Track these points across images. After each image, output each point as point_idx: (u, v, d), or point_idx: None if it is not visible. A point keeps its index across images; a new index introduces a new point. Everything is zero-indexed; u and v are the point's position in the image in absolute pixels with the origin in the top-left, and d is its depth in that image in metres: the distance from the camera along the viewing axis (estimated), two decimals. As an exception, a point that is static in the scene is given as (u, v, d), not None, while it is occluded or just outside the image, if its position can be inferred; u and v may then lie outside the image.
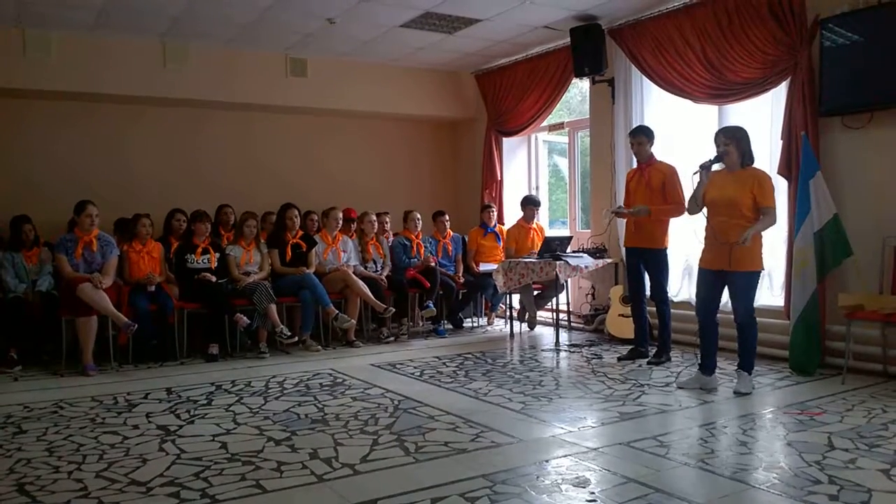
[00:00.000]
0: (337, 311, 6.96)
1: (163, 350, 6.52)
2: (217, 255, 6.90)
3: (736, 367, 5.17)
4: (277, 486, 3.38)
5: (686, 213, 5.51)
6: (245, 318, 6.56)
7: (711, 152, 5.13)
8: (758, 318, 6.11)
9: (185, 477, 3.51)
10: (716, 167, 5.15)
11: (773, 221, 4.96)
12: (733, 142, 4.98)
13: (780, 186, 6.04)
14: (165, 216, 7.22)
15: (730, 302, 5.13)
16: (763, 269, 5.09)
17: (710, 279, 5.12)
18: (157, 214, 7.15)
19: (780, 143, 5.94)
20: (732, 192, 4.95)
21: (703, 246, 5.18)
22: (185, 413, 4.74)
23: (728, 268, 4.96)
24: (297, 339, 6.84)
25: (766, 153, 6.19)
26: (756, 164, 5.09)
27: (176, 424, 4.47)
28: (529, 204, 8.04)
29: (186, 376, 5.90)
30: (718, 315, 5.22)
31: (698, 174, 5.12)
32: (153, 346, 6.46)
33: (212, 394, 5.27)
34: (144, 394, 5.29)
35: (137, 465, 3.72)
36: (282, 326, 6.67)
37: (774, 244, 6.17)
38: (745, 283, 4.97)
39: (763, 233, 4.96)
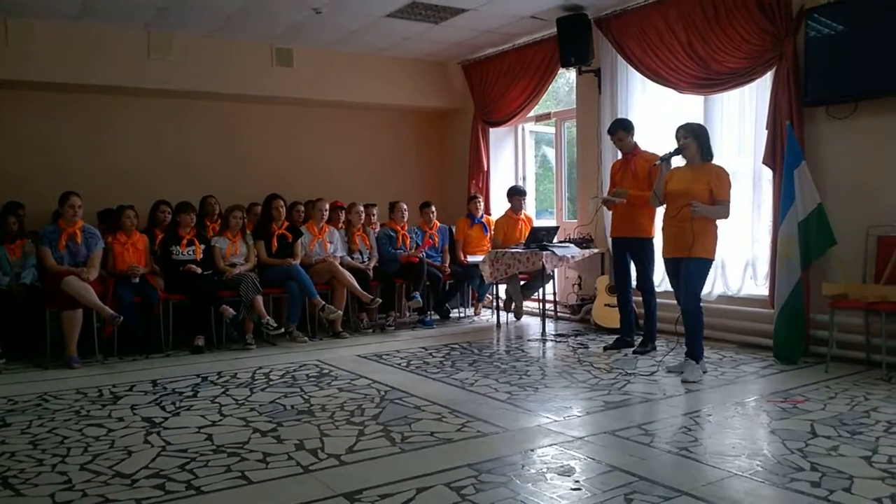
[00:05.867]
0: (323, 302, 6.96)
1: (148, 342, 6.49)
2: (202, 246, 6.86)
3: (684, 356, 5.25)
4: (263, 478, 3.38)
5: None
6: (231, 309, 6.54)
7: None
8: (743, 308, 6.26)
9: (170, 469, 3.50)
10: (677, 162, 5.36)
11: (725, 214, 5.14)
12: (692, 136, 5.20)
13: (766, 176, 6.09)
14: (150, 208, 7.17)
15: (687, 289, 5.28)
16: (714, 258, 5.22)
17: (671, 268, 5.37)
18: (142, 206, 7.09)
19: (765, 132, 5.96)
20: (690, 185, 5.17)
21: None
22: (170, 405, 4.72)
23: (682, 254, 5.16)
24: (283, 330, 6.82)
25: (751, 143, 6.23)
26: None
27: (161, 416, 4.45)
28: (516, 194, 8.05)
29: (172, 368, 5.88)
30: (701, 304, 5.27)
31: (659, 166, 5.35)
32: (139, 337, 6.43)
33: (197, 385, 5.25)
34: (130, 386, 5.26)
35: (122, 457, 3.71)
36: (268, 318, 6.65)
37: (757, 234, 6.23)
38: (696, 269, 5.14)
39: (719, 223, 5.18)
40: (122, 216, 6.63)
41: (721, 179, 5.13)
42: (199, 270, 6.68)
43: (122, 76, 7.61)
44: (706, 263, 5.18)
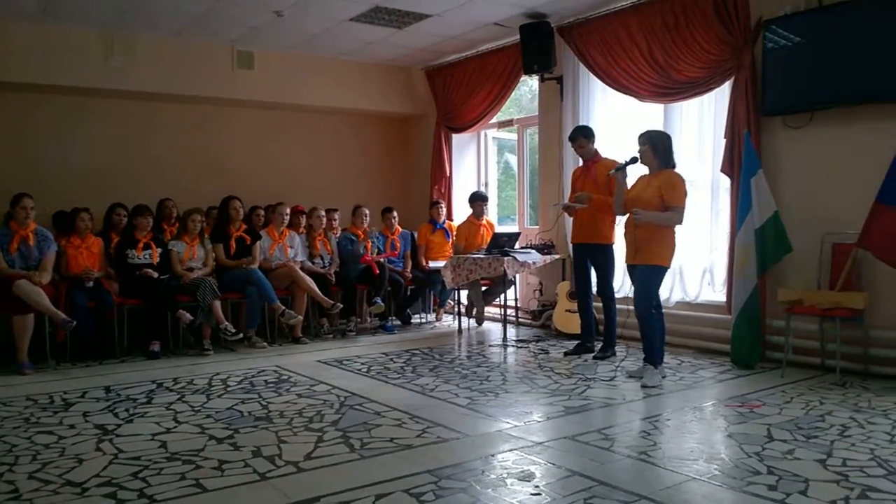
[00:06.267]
0: (283, 308, 6.87)
1: (102, 348, 6.35)
2: (159, 250, 6.74)
3: (643, 361, 5.29)
4: (218, 485, 3.31)
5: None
6: (188, 314, 6.43)
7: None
8: (701, 314, 6.33)
9: (122, 477, 3.42)
10: (636, 170, 5.44)
11: (676, 220, 5.13)
12: (648, 143, 5.22)
13: (724, 184, 6.17)
14: (105, 210, 7.03)
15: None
16: (667, 266, 5.22)
17: (630, 274, 5.44)
18: (99, 209, 6.98)
19: (723, 141, 6.04)
20: (641, 192, 5.23)
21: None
22: (123, 412, 4.61)
23: (634, 261, 5.25)
24: (242, 335, 6.73)
25: (710, 151, 6.31)
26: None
27: (114, 423, 4.35)
28: (478, 200, 8.05)
29: (127, 374, 5.75)
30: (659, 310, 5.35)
31: (615, 175, 5.42)
32: (93, 343, 6.29)
33: (152, 392, 5.15)
34: (82, 392, 5.14)
35: (73, 465, 3.61)
36: (226, 323, 6.55)
37: (715, 241, 6.31)
38: (644, 275, 5.18)
39: (679, 229, 5.21)
40: (77, 219, 6.49)
41: (672, 186, 5.13)
42: (156, 274, 6.56)
43: (82, 77, 7.45)
44: (654, 270, 5.18)
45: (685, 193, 5.17)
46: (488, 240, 7.51)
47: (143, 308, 6.49)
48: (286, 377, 5.58)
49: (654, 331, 5.23)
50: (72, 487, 3.30)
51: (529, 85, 8.99)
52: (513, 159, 9.37)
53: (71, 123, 7.85)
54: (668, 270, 5.36)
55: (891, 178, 4.88)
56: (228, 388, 5.23)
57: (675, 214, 5.11)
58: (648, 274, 5.18)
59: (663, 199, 5.10)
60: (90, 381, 5.50)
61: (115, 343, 6.41)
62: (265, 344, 6.88)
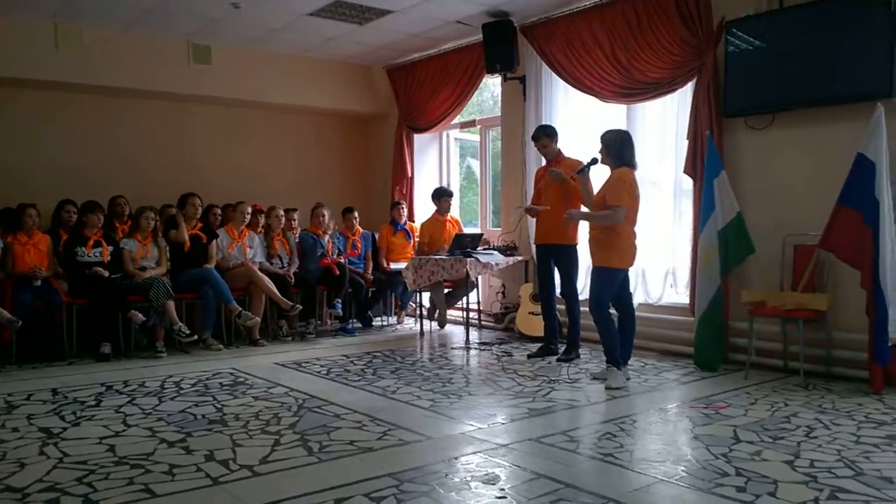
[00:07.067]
0: (240, 309, 6.69)
1: (50, 349, 6.11)
2: (110, 248, 6.51)
3: (605, 363, 5.25)
4: (168, 490, 3.16)
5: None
6: (140, 314, 6.22)
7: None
8: (664, 316, 6.31)
9: (66, 482, 3.25)
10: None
11: (612, 218, 5.03)
12: (603, 144, 5.23)
13: (686, 185, 6.16)
14: (54, 207, 6.78)
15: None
16: (615, 267, 5.13)
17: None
18: (48, 206, 6.75)
19: (685, 142, 6.02)
20: (598, 193, 5.26)
21: None
22: (70, 415, 4.42)
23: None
24: (196, 337, 6.53)
25: (672, 152, 6.30)
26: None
27: (60, 427, 4.16)
28: (443, 196, 7.96)
29: (75, 377, 5.53)
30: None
31: (577, 178, 5.50)
32: (40, 343, 6.04)
33: (101, 395, 4.95)
34: (27, 395, 4.92)
35: (14, 469, 3.43)
36: (180, 324, 6.35)
37: (678, 243, 6.29)
38: (593, 277, 5.27)
39: (626, 230, 5.12)
40: (24, 215, 6.26)
41: (613, 184, 5.08)
42: (107, 273, 6.34)
43: (26, 69, 7.15)
44: (600, 272, 5.14)
45: (627, 192, 5.04)
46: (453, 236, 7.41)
47: (92, 308, 6.26)
48: (242, 380, 5.41)
49: (610, 333, 5.15)
50: (12, 493, 3.13)
51: (492, 91, 8.94)
52: (475, 164, 9.30)
53: (19, 117, 7.54)
54: (629, 271, 5.33)
55: (852, 179, 4.89)
56: (181, 391, 5.05)
57: (612, 213, 5.01)
58: (595, 275, 5.22)
59: (605, 198, 5.08)
60: (36, 384, 5.28)
61: (63, 344, 6.19)
62: (221, 346, 6.69)
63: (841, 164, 4.98)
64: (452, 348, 6.81)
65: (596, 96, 6.74)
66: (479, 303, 8.22)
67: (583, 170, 5.44)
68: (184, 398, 4.85)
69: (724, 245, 5.59)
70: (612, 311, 5.26)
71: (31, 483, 3.24)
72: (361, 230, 8.28)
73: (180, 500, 3.06)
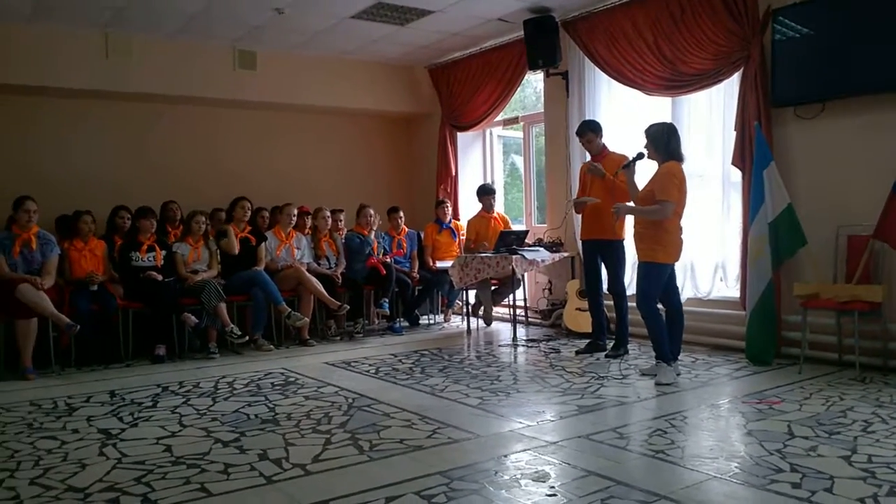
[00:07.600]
0: (290, 309, 6.79)
1: (107, 352, 6.27)
2: (163, 252, 6.66)
3: (655, 358, 5.20)
4: (224, 489, 3.22)
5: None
6: (193, 317, 6.36)
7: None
8: (714, 310, 6.24)
9: (125, 482, 3.33)
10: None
11: (660, 213, 4.99)
12: (648, 139, 5.18)
13: (734, 178, 6.06)
14: (109, 213, 6.96)
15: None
16: (661, 262, 5.08)
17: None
18: (102, 212, 6.93)
19: (733, 134, 5.93)
20: (646, 187, 5.20)
21: None
22: (128, 416, 4.53)
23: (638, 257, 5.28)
24: (248, 338, 6.65)
25: (720, 144, 6.20)
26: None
27: (118, 428, 4.27)
28: (486, 193, 7.97)
29: (131, 378, 5.67)
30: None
31: (623, 173, 5.44)
32: (97, 347, 6.20)
33: (157, 396, 5.07)
34: (86, 397, 5.06)
35: (75, 470, 3.53)
36: (232, 326, 6.47)
37: (727, 236, 6.19)
38: (640, 272, 5.19)
39: (673, 225, 5.07)
40: (79, 222, 6.44)
41: (661, 178, 5.03)
42: (160, 277, 6.48)
43: (79, 79, 7.35)
44: (649, 267, 5.09)
45: (677, 187, 5.00)
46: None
47: (147, 311, 6.41)
48: (293, 379, 5.49)
49: (658, 328, 5.10)
50: (74, 493, 3.22)
51: (534, 86, 8.89)
52: (519, 161, 9.27)
53: (72, 126, 7.76)
54: (676, 266, 5.28)
55: (907, 167, 4.78)
56: (234, 391, 5.15)
57: (660, 208, 4.96)
58: (641, 271, 5.17)
59: (654, 194, 5.03)
60: (94, 386, 5.42)
61: (119, 347, 6.33)
62: (271, 347, 6.80)
63: (894, 152, 4.86)
64: (500, 346, 6.81)
65: (640, 90, 6.67)
66: (525, 300, 8.20)
67: (629, 164, 5.38)
68: (237, 398, 4.94)
69: (774, 237, 5.49)
70: (660, 306, 5.21)
71: (91, 483, 3.33)
72: (407, 229, 8.33)
73: (235, 499, 3.13)
